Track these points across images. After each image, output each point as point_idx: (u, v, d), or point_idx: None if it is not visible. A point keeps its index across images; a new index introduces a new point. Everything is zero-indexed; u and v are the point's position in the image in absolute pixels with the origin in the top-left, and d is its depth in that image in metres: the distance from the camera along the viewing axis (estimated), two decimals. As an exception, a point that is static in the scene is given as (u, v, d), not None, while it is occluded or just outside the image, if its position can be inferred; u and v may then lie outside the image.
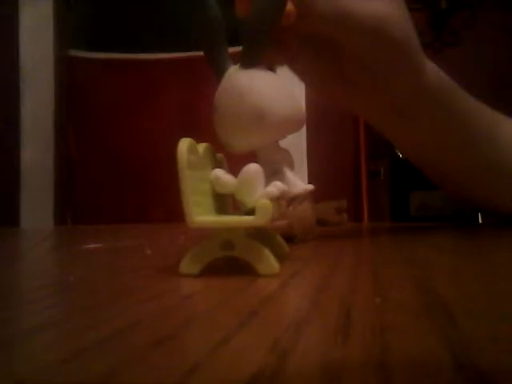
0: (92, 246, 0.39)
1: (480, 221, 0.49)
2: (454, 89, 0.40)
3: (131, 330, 0.15)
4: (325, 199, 0.47)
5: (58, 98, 1.65)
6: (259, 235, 0.27)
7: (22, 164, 1.59)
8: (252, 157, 0.25)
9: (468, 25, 1.54)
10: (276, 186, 0.23)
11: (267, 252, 0.23)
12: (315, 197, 0.39)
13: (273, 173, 0.25)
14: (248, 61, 0.25)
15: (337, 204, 0.47)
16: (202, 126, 0.72)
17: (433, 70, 0.38)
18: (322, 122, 1.52)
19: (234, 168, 0.25)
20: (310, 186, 0.27)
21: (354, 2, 0.33)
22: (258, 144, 0.25)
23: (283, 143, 0.26)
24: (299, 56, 0.37)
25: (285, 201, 0.26)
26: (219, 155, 0.27)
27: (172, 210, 0.44)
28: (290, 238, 0.35)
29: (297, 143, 1.47)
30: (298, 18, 0.30)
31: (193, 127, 1.13)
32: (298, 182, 0.26)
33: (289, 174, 0.26)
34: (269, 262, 0.23)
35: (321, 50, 0.37)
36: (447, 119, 0.40)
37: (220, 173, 0.24)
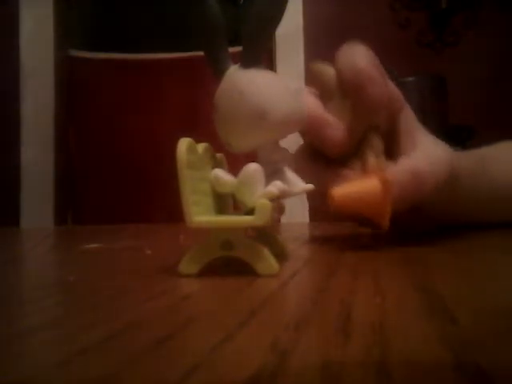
0: (92, 246, 0.39)
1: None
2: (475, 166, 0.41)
3: (131, 329, 0.15)
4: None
5: (59, 97, 1.64)
6: (259, 235, 0.27)
7: (22, 164, 1.59)
8: (252, 156, 0.25)
9: (468, 25, 1.54)
10: (276, 186, 0.23)
11: (267, 252, 0.23)
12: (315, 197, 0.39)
13: (273, 172, 0.25)
14: (248, 61, 0.25)
15: None
16: (202, 126, 0.72)
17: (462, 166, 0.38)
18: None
19: (234, 168, 0.25)
20: (310, 186, 0.27)
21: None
22: (258, 143, 0.25)
23: (283, 143, 0.26)
24: None
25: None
26: (219, 155, 0.27)
27: (172, 210, 0.44)
28: None
29: (297, 143, 1.47)
30: None
31: (193, 127, 1.13)
32: (298, 181, 0.26)
33: (289, 173, 0.26)
34: (268, 262, 0.23)
35: None
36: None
37: (220, 172, 0.24)
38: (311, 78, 0.35)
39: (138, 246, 0.38)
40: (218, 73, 0.25)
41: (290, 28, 1.47)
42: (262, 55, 0.25)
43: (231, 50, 0.26)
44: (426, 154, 0.33)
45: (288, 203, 0.27)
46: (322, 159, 0.33)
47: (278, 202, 0.24)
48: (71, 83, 1.70)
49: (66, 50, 1.69)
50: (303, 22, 1.52)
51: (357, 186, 0.30)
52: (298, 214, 1.37)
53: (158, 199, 1.58)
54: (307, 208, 1.49)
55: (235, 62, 0.25)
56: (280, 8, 0.24)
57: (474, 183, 0.40)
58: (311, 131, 0.32)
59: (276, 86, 0.25)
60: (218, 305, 0.18)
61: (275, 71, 0.27)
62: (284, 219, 0.36)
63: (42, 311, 0.18)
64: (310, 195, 0.33)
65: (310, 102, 0.32)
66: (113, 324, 0.16)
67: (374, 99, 0.31)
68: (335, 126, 0.32)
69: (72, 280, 0.24)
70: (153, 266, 0.28)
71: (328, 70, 0.33)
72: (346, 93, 0.32)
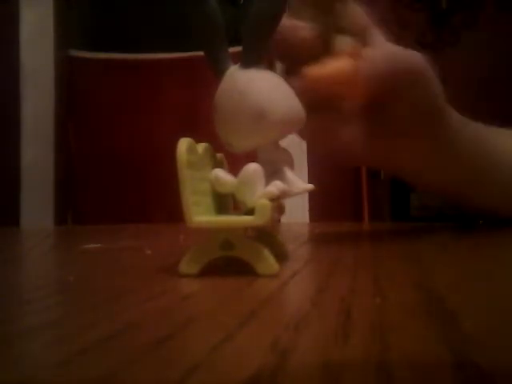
0: (92, 246, 0.39)
1: (480, 221, 0.49)
2: (478, 130, 0.41)
3: (131, 330, 0.15)
4: (324, 195, 0.45)
5: (59, 97, 1.64)
6: (259, 235, 0.27)
7: (23, 164, 1.59)
8: (252, 156, 0.25)
9: (468, 25, 1.54)
10: (276, 186, 0.23)
11: (266, 252, 0.23)
12: (315, 198, 0.39)
13: (273, 172, 0.25)
14: (248, 61, 0.25)
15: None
16: (201, 126, 0.72)
17: (457, 120, 0.39)
18: (322, 121, 1.52)
19: (234, 168, 0.25)
20: (310, 186, 0.27)
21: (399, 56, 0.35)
22: (258, 143, 0.25)
23: (283, 143, 0.26)
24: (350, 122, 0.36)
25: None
26: (219, 155, 0.27)
27: (172, 210, 0.44)
28: None
29: (297, 143, 1.47)
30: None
31: (193, 127, 1.13)
32: (298, 181, 0.26)
33: (289, 173, 0.26)
34: (268, 262, 0.23)
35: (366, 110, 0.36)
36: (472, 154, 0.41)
37: (220, 172, 0.24)
38: None
39: (138, 246, 0.38)
40: (218, 73, 0.25)
41: (290, 28, 1.46)
42: (262, 55, 0.25)
43: (231, 50, 0.26)
44: (398, 47, 0.35)
45: (288, 203, 0.27)
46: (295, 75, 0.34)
47: (278, 202, 0.24)
48: (71, 83, 1.70)
49: (66, 50, 1.69)
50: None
51: (329, 64, 0.31)
52: (298, 213, 1.37)
53: (158, 199, 1.58)
54: (307, 208, 1.49)
55: (235, 62, 0.25)
56: (280, 8, 0.24)
57: (475, 153, 0.41)
58: (284, 40, 0.33)
59: (276, 86, 0.25)
60: (217, 305, 0.18)
61: (275, 71, 0.27)
62: (284, 219, 0.36)
63: (42, 311, 0.18)
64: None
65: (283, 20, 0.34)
66: (113, 324, 0.16)
67: None
68: (302, 27, 0.33)
69: (72, 280, 0.24)
70: (153, 266, 0.28)
71: None
72: None
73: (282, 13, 0.24)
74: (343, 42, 0.33)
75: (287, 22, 0.33)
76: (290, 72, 0.34)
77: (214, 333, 0.14)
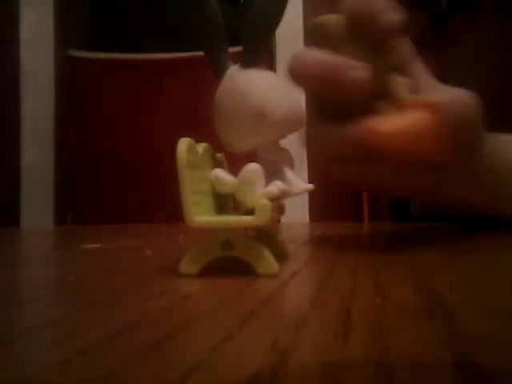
0: (92, 246, 0.39)
1: (479, 221, 0.49)
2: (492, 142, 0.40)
3: (131, 329, 0.15)
4: (326, 195, 0.45)
5: (59, 97, 1.64)
6: (259, 235, 0.27)
7: (23, 164, 1.59)
8: (252, 156, 0.25)
9: (469, 25, 1.54)
10: (276, 186, 0.23)
11: (267, 252, 0.23)
12: (315, 198, 0.39)
13: (273, 172, 0.25)
14: (248, 61, 0.25)
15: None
16: (201, 126, 0.72)
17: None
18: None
19: (234, 168, 0.25)
20: (310, 186, 0.27)
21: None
22: (258, 143, 0.25)
23: (283, 143, 0.26)
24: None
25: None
26: (219, 155, 0.27)
27: (172, 210, 0.44)
28: None
29: (297, 143, 1.47)
30: None
31: (193, 127, 1.13)
32: (298, 181, 0.26)
33: (289, 173, 0.26)
34: (268, 262, 0.23)
35: None
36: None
37: (220, 172, 0.24)
38: (313, 36, 0.32)
39: (138, 246, 0.38)
40: (218, 73, 0.25)
41: (290, 28, 1.47)
42: (262, 55, 0.25)
43: (231, 50, 0.26)
44: (454, 89, 0.32)
45: (288, 203, 0.27)
46: (335, 119, 0.30)
47: (278, 202, 0.24)
48: (71, 83, 1.70)
49: (66, 50, 1.69)
50: (303, 22, 1.52)
51: (404, 119, 0.26)
52: (298, 213, 1.37)
53: (158, 199, 1.58)
54: (307, 208, 1.49)
55: (235, 62, 0.25)
56: (280, 8, 0.24)
57: (494, 164, 0.39)
58: (329, 80, 0.29)
59: (276, 86, 0.25)
60: (217, 305, 0.18)
61: (275, 71, 0.27)
62: (284, 219, 0.36)
63: (42, 311, 0.18)
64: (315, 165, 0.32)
65: (320, 53, 0.30)
66: (113, 324, 0.16)
67: (387, 25, 0.30)
68: (355, 66, 0.29)
69: (72, 280, 0.24)
70: (153, 266, 0.28)
71: (332, 18, 0.31)
72: (359, 30, 0.30)
73: (282, 13, 0.24)
74: (401, 84, 0.29)
75: (334, 58, 0.29)
76: (330, 116, 0.30)
77: (214, 333, 0.14)
